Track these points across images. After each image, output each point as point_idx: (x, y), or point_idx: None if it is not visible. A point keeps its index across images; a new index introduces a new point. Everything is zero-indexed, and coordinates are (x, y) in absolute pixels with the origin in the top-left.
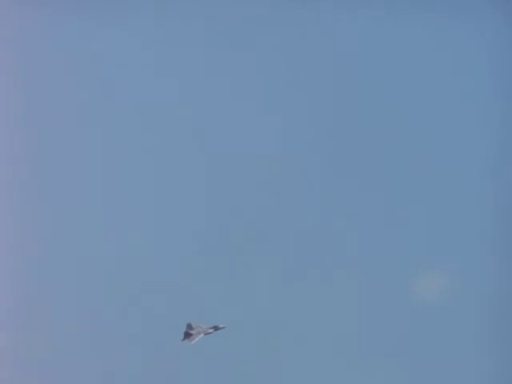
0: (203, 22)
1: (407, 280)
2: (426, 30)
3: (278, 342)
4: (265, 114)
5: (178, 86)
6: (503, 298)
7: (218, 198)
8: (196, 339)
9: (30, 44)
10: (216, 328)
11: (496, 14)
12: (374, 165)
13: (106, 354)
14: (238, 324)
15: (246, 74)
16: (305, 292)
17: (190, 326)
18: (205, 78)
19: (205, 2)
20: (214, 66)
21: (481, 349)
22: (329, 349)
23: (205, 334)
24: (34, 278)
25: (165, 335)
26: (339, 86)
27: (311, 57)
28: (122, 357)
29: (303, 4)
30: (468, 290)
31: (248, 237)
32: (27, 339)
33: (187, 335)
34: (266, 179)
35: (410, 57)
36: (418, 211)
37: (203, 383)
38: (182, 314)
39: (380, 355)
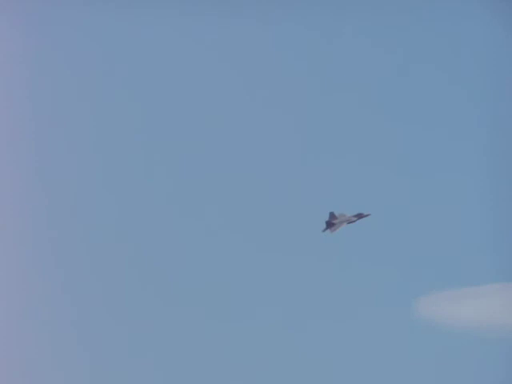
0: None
1: None
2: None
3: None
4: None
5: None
6: None
7: None
8: (338, 229)
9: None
10: (360, 216)
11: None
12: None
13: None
14: (383, 212)
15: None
16: None
17: (332, 216)
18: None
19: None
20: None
21: None
22: None
23: (347, 223)
24: None
25: (306, 225)
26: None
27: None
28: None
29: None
30: None
31: None
32: None
33: (329, 225)
34: None
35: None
36: None
37: (344, 273)
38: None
39: None
